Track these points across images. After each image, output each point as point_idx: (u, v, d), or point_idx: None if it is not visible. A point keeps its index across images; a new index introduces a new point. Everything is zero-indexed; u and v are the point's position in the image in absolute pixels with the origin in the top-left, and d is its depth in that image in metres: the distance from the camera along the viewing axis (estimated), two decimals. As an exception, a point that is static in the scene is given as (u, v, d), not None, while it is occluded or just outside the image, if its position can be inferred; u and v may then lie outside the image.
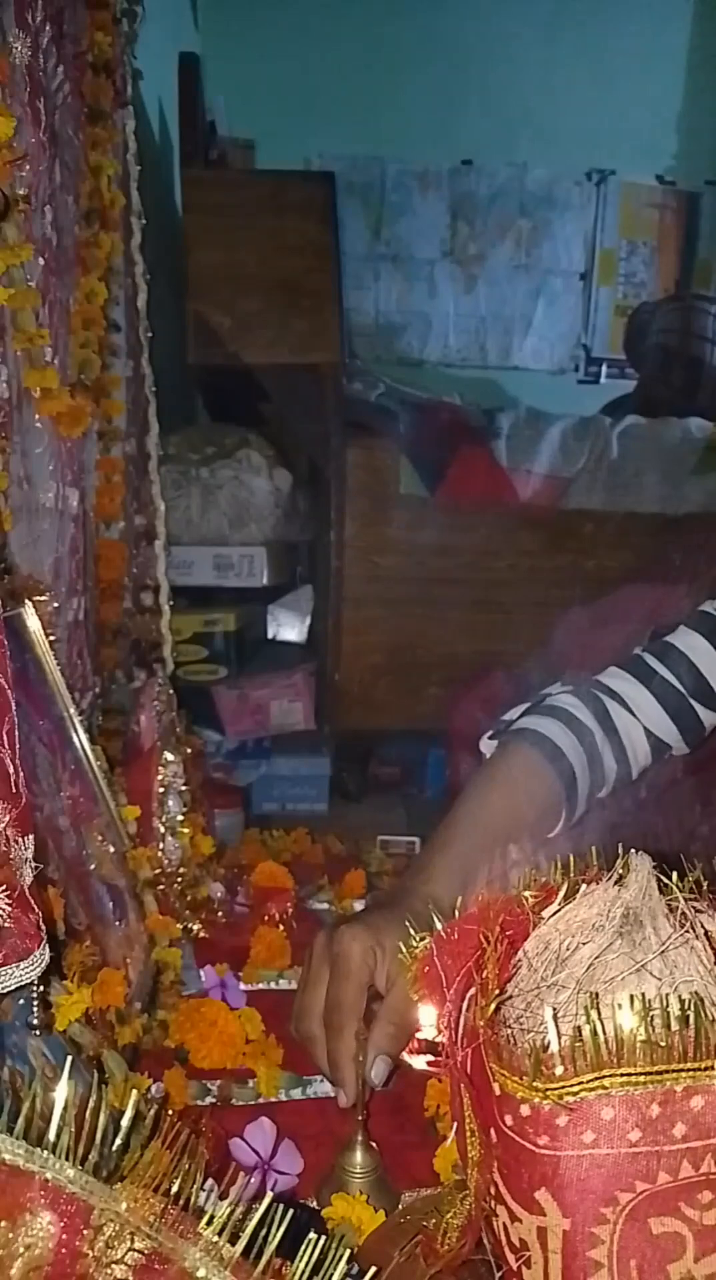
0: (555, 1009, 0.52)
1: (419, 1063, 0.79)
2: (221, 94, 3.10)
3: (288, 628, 2.64)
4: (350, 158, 4.08)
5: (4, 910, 0.65)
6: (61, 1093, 0.45)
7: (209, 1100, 1.05)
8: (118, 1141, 0.47)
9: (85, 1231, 0.43)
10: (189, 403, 2.98)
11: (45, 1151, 0.44)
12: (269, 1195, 0.48)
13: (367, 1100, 0.90)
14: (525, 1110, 0.50)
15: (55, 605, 1.27)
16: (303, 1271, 0.47)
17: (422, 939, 0.62)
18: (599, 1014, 0.49)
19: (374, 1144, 0.91)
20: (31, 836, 0.71)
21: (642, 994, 0.51)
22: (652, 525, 2.42)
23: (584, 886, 0.61)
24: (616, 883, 0.58)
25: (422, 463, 2.44)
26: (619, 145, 4.28)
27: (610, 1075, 0.48)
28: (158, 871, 1.46)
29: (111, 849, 1.27)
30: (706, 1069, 0.49)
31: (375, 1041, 0.85)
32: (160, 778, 1.56)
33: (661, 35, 4.24)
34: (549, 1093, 0.49)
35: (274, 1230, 0.46)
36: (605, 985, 0.53)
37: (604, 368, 4.52)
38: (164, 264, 1.98)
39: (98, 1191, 0.44)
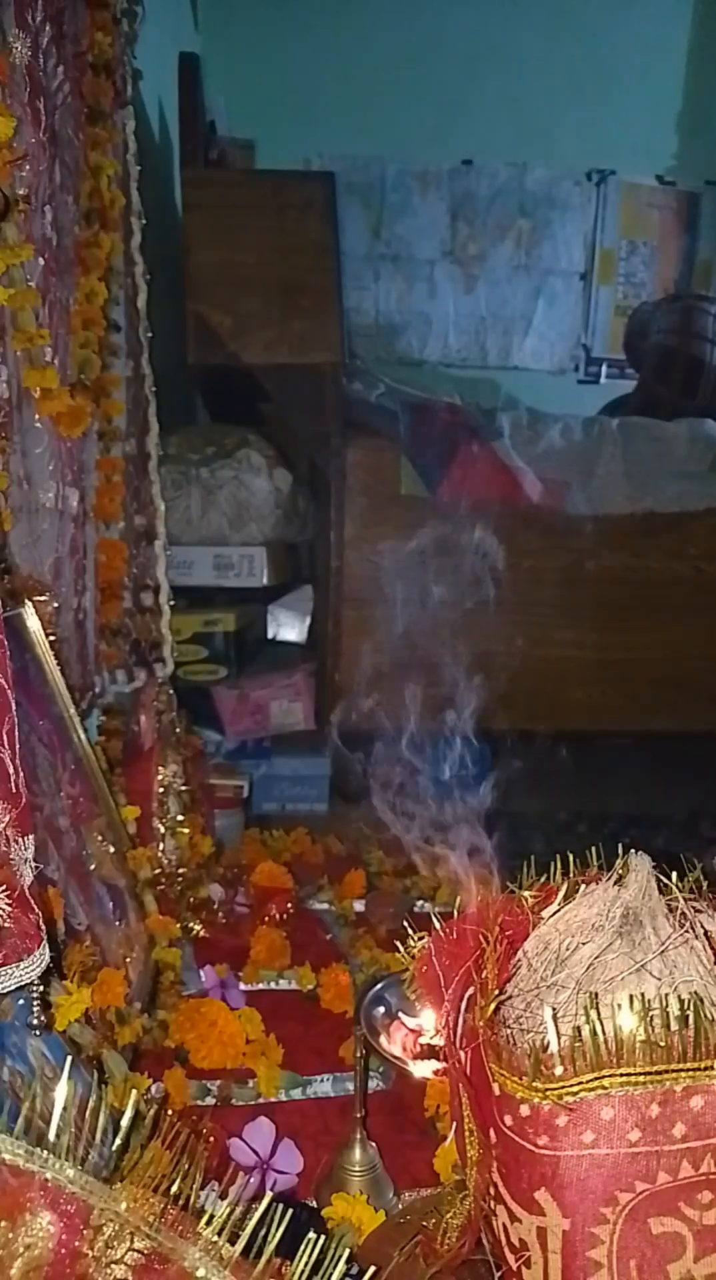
0: (555, 1009, 0.52)
1: (423, 1070, 0.79)
2: (221, 94, 3.10)
3: (287, 628, 2.64)
4: (350, 158, 4.08)
5: (4, 910, 0.65)
6: (61, 1093, 0.45)
7: (209, 1100, 1.05)
8: (117, 1141, 0.47)
9: (85, 1231, 0.43)
10: (189, 403, 2.98)
11: (45, 1152, 0.44)
12: (268, 1195, 0.48)
13: (366, 1099, 0.90)
14: (525, 1110, 0.50)
15: (55, 605, 1.27)
16: (302, 1271, 0.46)
17: (421, 938, 0.62)
18: (598, 1014, 0.50)
19: (373, 1143, 0.91)
20: (31, 836, 0.71)
21: (642, 994, 0.51)
22: (653, 525, 2.42)
23: (583, 886, 0.61)
24: (616, 883, 0.59)
25: (423, 463, 2.43)
26: (619, 145, 4.28)
27: (610, 1075, 0.48)
28: (158, 871, 1.47)
29: (111, 849, 1.27)
30: (706, 1069, 0.49)
31: None
32: (160, 778, 1.56)
33: (661, 35, 4.23)
34: (548, 1093, 0.49)
35: (273, 1230, 0.46)
36: (605, 985, 0.53)
37: (604, 368, 4.51)
38: (164, 264, 1.98)
39: (97, 1191, 0.44)
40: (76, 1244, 0.43)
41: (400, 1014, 0.83)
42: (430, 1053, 0.76)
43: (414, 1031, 0.80)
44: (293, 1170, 0.92)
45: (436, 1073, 0.79)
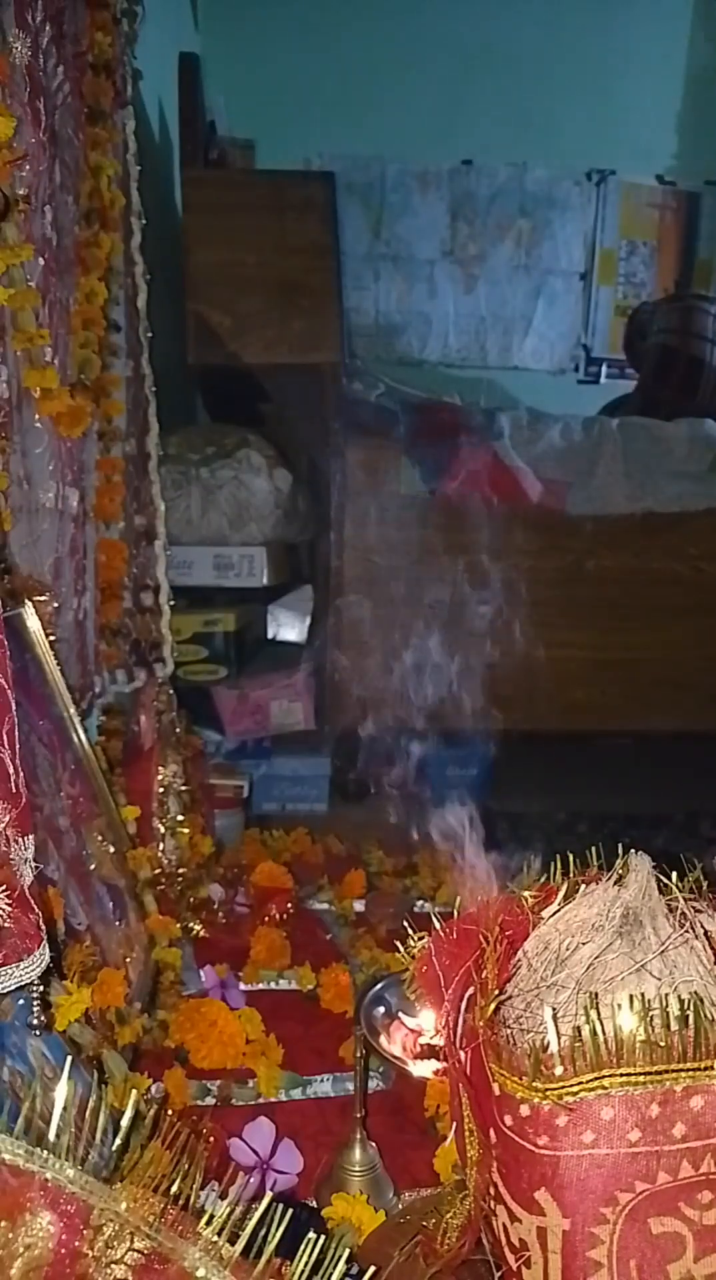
0: (555, 1009, 0.52)
1: (423, 1069, 0.79)
2: (221, 94, 3.09)
3: (287, 628, 2.63)
4: (350, 157, 4.08)
5: (4, 910, 0.65)
6: (61, 1093, 0.45)
7: (209, 1100, 1.05)
8: (117, 1142, 0.47)
9: (85, 1231, 0.43)
10: (189, 403, 2.97)
11: (45, 1152, 0.43)
12: (268, 1195, 0.47)
13: (366, 1099, 0.90)
14: (525, 1110, 0.50)
15: (55, 605, 1.27)
16: (302, 1271, 0.46)
17: (421, 938, 0.62)
18: (598, 1014, 0.49)
19: (373, 1143, 0.91)
20: (31, 836, 0.71)
21: (642, 994, 0.51)
22: (653, 525, 2.42)
23: (583, 886, 0.61)
24: (616, 882, 0.58)
25: (422, 463, 2.43)
26: (619, 145, 4.28)
27: (610, 1075, 0.48)
28: (158, 871, 1.46)
29: (111, 849, 1.27)
30: (706, 1069, 0.49)
31: None
32: (160, 778, 1.56)
33: (661, 35, 4.23)
34: (548, 1093, 0.49)
35: (273, 1230, 0.46)
36: (605, 985, 0.53)
37: (604, 368, 4.51)
38: (164, 264, 1.98)
39: (97, 1191, 0.44)
40: (76, 1244, 0.43)
41: (400, 1014, 0.83)
42: (430, 1053, 0.76)
43: (414, 1031, 0.80)
44: (292, 1170, 0.92)
45: (436, 1073, 0.79)
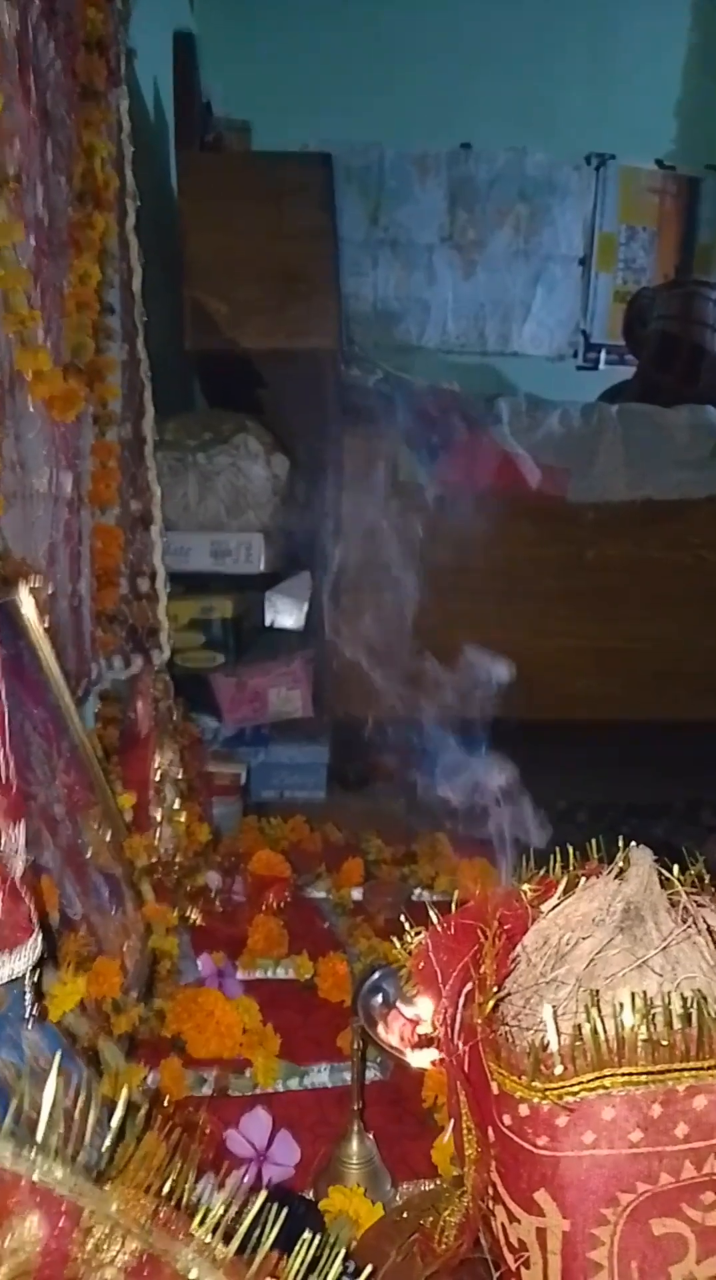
0: (554, 1006, 0.51)
1: (421, 1060, 0.78)
2: (217, 75, 3.06)
3: (285, 615, 2.62)
4: (348, 142, 4.04)
5: (-5, 903, 0.64)
6: (50, 1091, 0.44)
7: (206, 1090, 1.04)
8: (109, 1139, 0.46)
9: (74, 1234, 0.42)
10: (186, 388, 2.95)
11: (33, 1152, 0.42)
12: (264, 1191, 0.47)
13: (363, 1090, 0.89)
14: (524, 1110, 0.49)
15: (50, 591, 1.25)
16: (298, 1270, 0.46)
17: (418, 933, 0.61)
18: (599, 1012, 0.49)
19: (370, 1135, 0.90)
20: (23, 826, 0.70)
21: (644, 991, 0.50)
22: (653, 513, 2.41)
23: (583, 880, 0.60)
24: (617, 876, 0.57)
25: (421, 449, 2.42)
26: (619, 129, 4.24)
27: (611, 1075, 0.47)
28: (154, 860, 1.46)
29: (108, 837, 1.26)
30: (709, 1068, 0.48)
31: None
32: (157, 765, 1.55)
33: (662, 19, 4.19)
34: (548, 1092, 0.48)
35: (268, 1228, 0.45)
36: (605, 982, 0.52)
37: (603, 354, 4.49)
38: (158, 247, 1.96)
39: (87, 1193, 0.43)
40: (66, 1246, 0.42)
41: (398, 1003, 0.82)
42: (428, 1042, 0.75)
43: (411, 1021, 0.79)
44: (289, 1162, 0.91)
45: (434, 1063, 0.78)
